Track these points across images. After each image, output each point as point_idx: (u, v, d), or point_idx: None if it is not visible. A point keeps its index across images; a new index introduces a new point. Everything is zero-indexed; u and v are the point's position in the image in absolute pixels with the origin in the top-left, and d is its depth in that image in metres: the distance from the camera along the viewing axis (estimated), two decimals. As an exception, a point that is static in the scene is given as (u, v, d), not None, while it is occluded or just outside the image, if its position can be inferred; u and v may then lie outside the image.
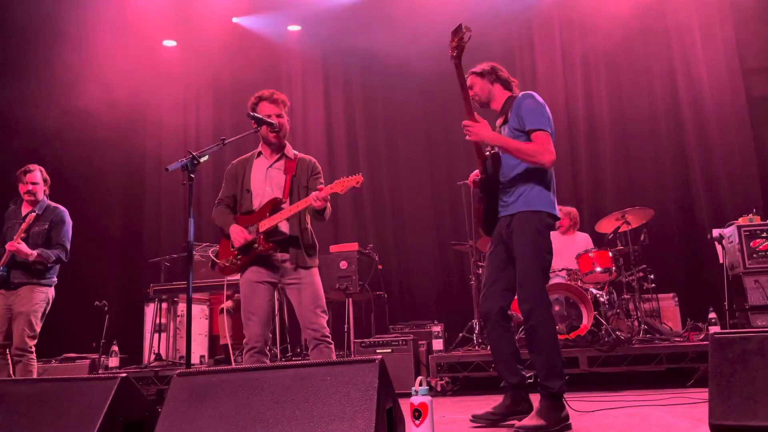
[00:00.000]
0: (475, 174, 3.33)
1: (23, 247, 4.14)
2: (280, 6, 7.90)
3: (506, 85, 3.32)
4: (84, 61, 7.63)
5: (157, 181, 8.22)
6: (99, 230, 7.99)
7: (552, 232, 6.14)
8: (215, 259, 3.31)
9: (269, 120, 3.21)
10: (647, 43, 7.03)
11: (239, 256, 3.19)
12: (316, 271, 3.24)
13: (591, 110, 7.17)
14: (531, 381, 3.22)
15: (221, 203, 3.38)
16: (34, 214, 4.29)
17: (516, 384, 3.18)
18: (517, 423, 2.94)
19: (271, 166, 3.30)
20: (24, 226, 4.18)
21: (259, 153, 3.35)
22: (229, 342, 4.95)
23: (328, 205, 3.13)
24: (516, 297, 3.18)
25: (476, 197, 3.31)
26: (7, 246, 4.15)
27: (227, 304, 5.72)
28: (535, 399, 3.09)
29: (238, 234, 3.16)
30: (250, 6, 7.98)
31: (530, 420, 2.94)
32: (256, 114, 3.22)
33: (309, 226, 3.27)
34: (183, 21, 7.94)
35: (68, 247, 4.45)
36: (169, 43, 8.32)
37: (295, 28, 8.16)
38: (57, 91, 7.50)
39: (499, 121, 3.30)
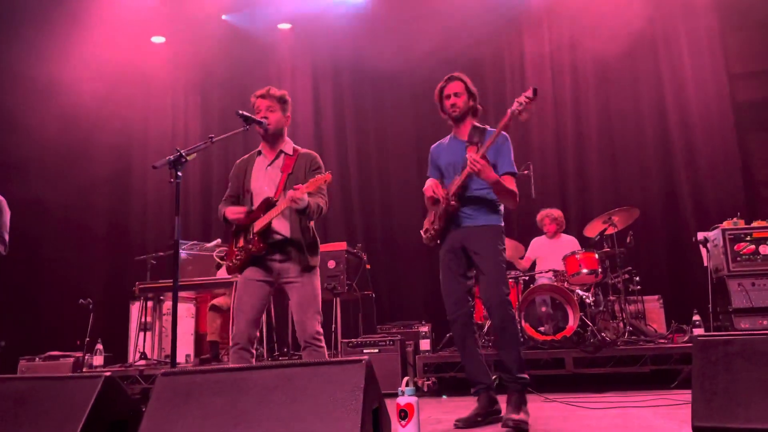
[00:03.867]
0: (441, 191, 3.34)
1: None
2: (270, 4, 7.87)
3: (476, 115, 3.50)
4: (70, 56, 7.55)
5: (144, 179, 8.17)
6: (84, 227, 7.93)
7: (539, 237, 6.23)
8: (220, 260, 3.30)
9: (255, 117, 3.19)
10: (634, 47, 7.08)
11: (239, 256, 3.18)
12: (316, 271, 3.19)
13: (578, 115, 7.22)
14: (497, 383, 3.40)
15: (227, 201, 3.36)
16: None
17: (489, 385, 3.34)
18: (511, 420, 3.00)
19: (270, 164, 3.26)
20: None
21: (260, 152, 3.32)
22: (223, 339, 4.91)
23: (318, 201, 3.09)
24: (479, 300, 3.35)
25: (445, 209, 3.34)
26: None
27: (218, 300, 5.69)
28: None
29: (233, 214, 3.17)
30: (240, 3, 7.94)
31: (518, 415, 3.04)
32: (243, 112, 3.19)
33: (311, 224, 3.21)
34: (172, 17, 7.89)
35: (7, 240, 4.04)
36: (158, 39, 8.25)
37: (285, 26, 8.14)
38: (42, 87, 7.42)
39: (471, 149, 3.32)
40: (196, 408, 2.01)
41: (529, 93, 3.09)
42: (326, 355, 3.13)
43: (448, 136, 3.60)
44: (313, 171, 3.20)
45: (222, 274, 5.50)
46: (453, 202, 3.30)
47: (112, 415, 2.23)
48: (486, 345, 5.22)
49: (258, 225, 3.11)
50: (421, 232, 3.52)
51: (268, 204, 3.13)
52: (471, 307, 3.42)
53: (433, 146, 3.65)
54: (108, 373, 2.29)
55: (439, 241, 3.49)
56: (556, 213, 5.92)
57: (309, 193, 2.96)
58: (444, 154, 3.52)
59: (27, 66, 7.46)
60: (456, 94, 3.40)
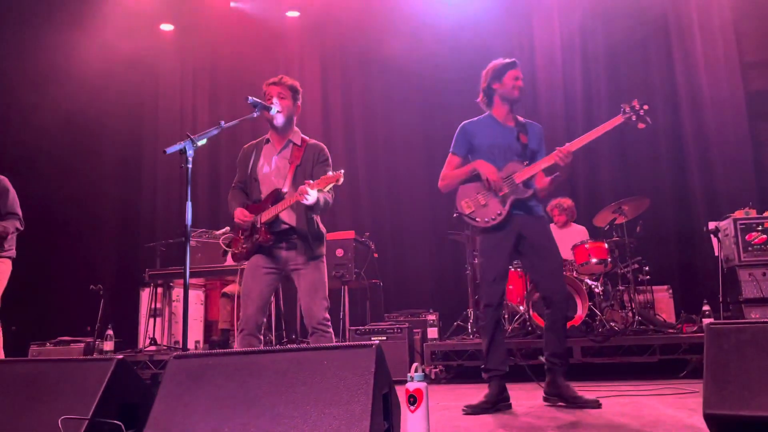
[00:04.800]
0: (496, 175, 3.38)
1: None
2: (278, -9, 7.85)
3: None
4: (80, 44, 7.56)
5: (154, 165, 8.18)
6: (95, 214, 7.96)
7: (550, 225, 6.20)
8: (226, 247, 3.31)
9: (265, 103, 3.18)
10: (646, 35, 7.02)
11: (244, 245, 3.19)
12: (322, 259, 3.21)
13: (589, 103, 7.16)
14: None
15: (236, 187, 3.38)
16: None
17: (505, 372, 3.39)
18: (591, 400, 3.24)
19: (278, 153, 3.26)
20: None
21: (267, 140, 3.32)
22: (234, 327, 4.92)
23: (326, 197, 3.10)
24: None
25: (513, 193, 3.38)
26: None
27: (229, 288, 5.72)
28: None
29: (240, 216, 3.17)
30: (249, -10, 7.92)
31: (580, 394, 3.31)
32: (253, 98, 3.19)
33: (316, 216, 3.23)
34: (180, 5, 7.87)
35: (21, 214, 4.19)
36: (167, 27, 8.24)
37: (293, 14, 8.10)
38: (52, 75, 7.43)
39: (524, 138, 3.48)
40: (208, 391, 2.03)
41: (646, 107, 3.34)
42: (334, 341, 3.15)
43: (485, 117, 3.58)
44: (321, 163, 3.23)
45: (229, 261, 5.52)
46: (530, 191, 3.39)
47: (124, 397, 2.25)
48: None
49: (265, 216, 3.12)
50: (474, 217, 3.39)
51: (277, 195, 3.14)
52: None
53: (467, 123, 3.59)
54: (120, 356, 2.31)
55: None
56: (566, 203, 5.87)
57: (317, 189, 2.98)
58: (484, 135, 3.50)
59: (36, 55, 7.48)
60: (522, 80, 3.49)
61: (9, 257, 4.18)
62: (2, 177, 4.24)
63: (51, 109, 7.42)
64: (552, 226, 5.95)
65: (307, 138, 3.34)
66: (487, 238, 3.43)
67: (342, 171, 2.95)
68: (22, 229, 4.21)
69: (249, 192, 3.31)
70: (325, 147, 3.32)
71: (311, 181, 2.94)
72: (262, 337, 3.18)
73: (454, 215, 3.52)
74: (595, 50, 7.18)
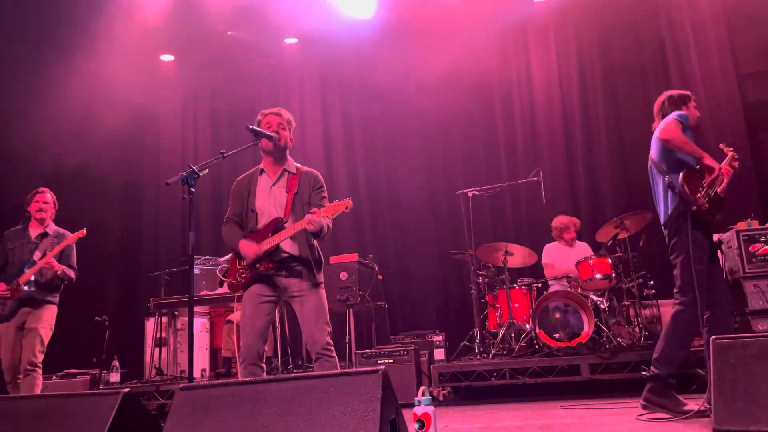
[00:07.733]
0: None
1: (55, 262, 4.32)
2: (276, 19, 7.94)
3: None
4: (81, 75, 7.65)
5: (156, 195, 8.22)
6: (98, 245, 7.96)
7: (553, 244, 6.18)
8: (223, 277, 3.32)
9: (267, 132, 3.22)
10: (642, 49, 7.08)
11: (243, 274, 3.20)
12: (322, 285, 3.23)
13: (588, 118, 7.20)
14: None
15: (230, 221, 3.38)
16: (78, 234, 4.47)
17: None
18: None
19: (274, 184, 3.29)
20: (59, 247, 4.39)
21: (262, 170, 3.35)
22: (236, 353, 4.93)
23: (329, 223, 3.14)
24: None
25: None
26: (41, 261, 4.30)
27: (234, 315, 5.72)
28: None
29: (248, 249, 3.16)
30: (247, 19, 8.02)
31: None
32: (254, 127, 3.23)
33: (315, 242, 3.26)
34: (180, 35, 7.98)
35: (76, 267, 4.64)
36: (167, 57, 8.35)
37: (291, 41, 8.21)
38: (53, 105, 7.51)
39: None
40: (215, 421, 2.02)
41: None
42: (338, 365, 3.15)
43: None
44: (317, 190, 3.28)
45: (225, 290, 5.53)
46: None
47: (131, 430, 2.24)
48: (500, 354, 5.19)
49: (267, 245, 3.13)
50: (703, 199, 3.47)
51: (277, 225, 3.17)
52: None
53: None
54: (126, 390, 2.31)
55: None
56: (577, 221, 5.97)
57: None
58: None
59: (38, 87, 7.57)
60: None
61: (56, 303, 4.54)
62: (69, 233, 4.58)
63: (52, 140, 7.47)
64: (558, 244, 5.97)
65: (300, 166, 3.38)
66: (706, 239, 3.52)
67: (350, 198, 2.98)
68: (74, 281, 4.60)
69: (245, 223, 3.32)
70: (319, 174, 3.38)
71: (318, 209, 2.97)
72: (264, 365, 3.17)
73: (692, 207, 3.50)
74: (593, 74, 7.24)
